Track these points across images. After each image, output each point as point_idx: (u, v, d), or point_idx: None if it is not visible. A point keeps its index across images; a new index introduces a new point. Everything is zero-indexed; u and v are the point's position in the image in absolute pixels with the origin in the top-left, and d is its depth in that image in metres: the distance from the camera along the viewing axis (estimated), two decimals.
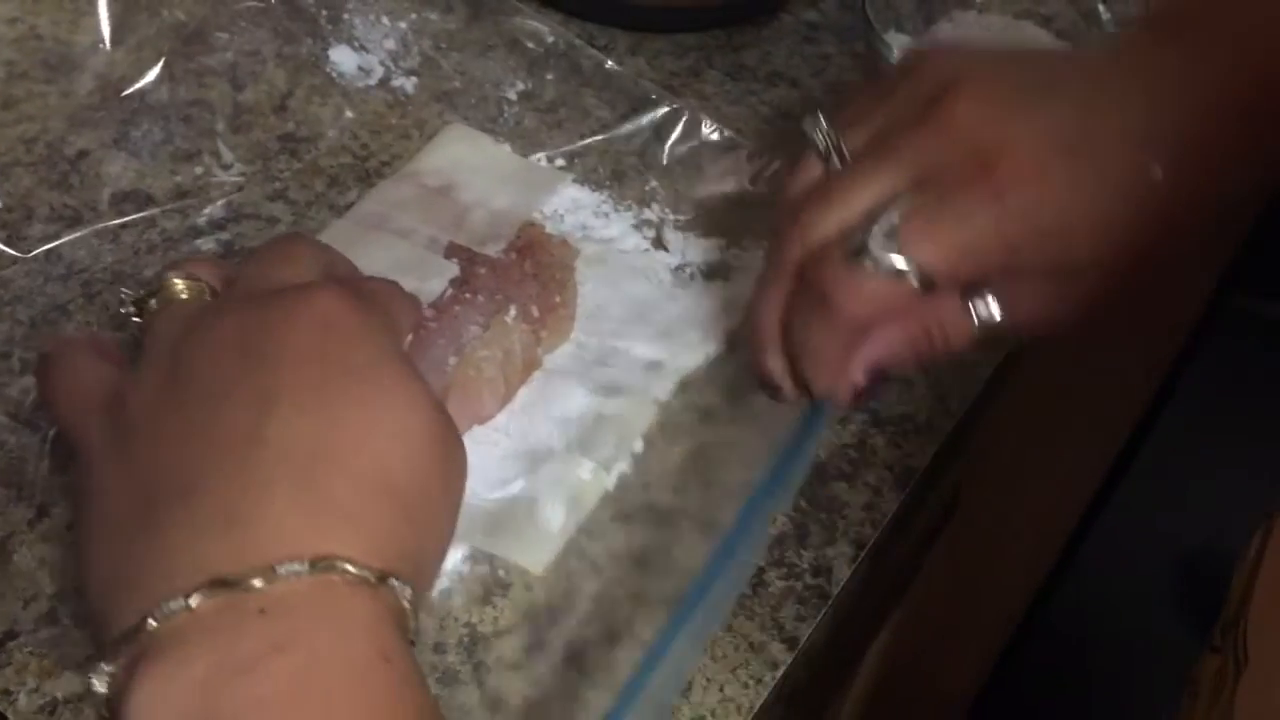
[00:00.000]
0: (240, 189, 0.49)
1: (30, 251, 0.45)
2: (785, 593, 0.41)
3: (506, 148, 0.51)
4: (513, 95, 0.53)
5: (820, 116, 0.37)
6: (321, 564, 0.28)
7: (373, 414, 0.30)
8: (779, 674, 0.39)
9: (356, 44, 0.54)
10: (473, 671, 0.38)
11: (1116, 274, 0.35)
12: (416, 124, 0.52)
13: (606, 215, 0.49)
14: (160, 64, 0.52)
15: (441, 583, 0.40)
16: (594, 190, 0.50)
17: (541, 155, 0.51)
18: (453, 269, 0.44)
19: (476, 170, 0.49)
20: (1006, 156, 0.33)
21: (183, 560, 0.28)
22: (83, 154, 0.49)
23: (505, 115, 0.52)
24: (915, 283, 0.34)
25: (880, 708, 0.76)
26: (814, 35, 0.60)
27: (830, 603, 0.41)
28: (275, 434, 0.29)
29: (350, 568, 0.28)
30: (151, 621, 0.27)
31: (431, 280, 0.44)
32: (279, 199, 0.49)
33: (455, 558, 0.40)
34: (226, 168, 0.49)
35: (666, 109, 0.52)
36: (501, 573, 0.40)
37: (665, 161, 0.51)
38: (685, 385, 0.45)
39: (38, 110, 0.50)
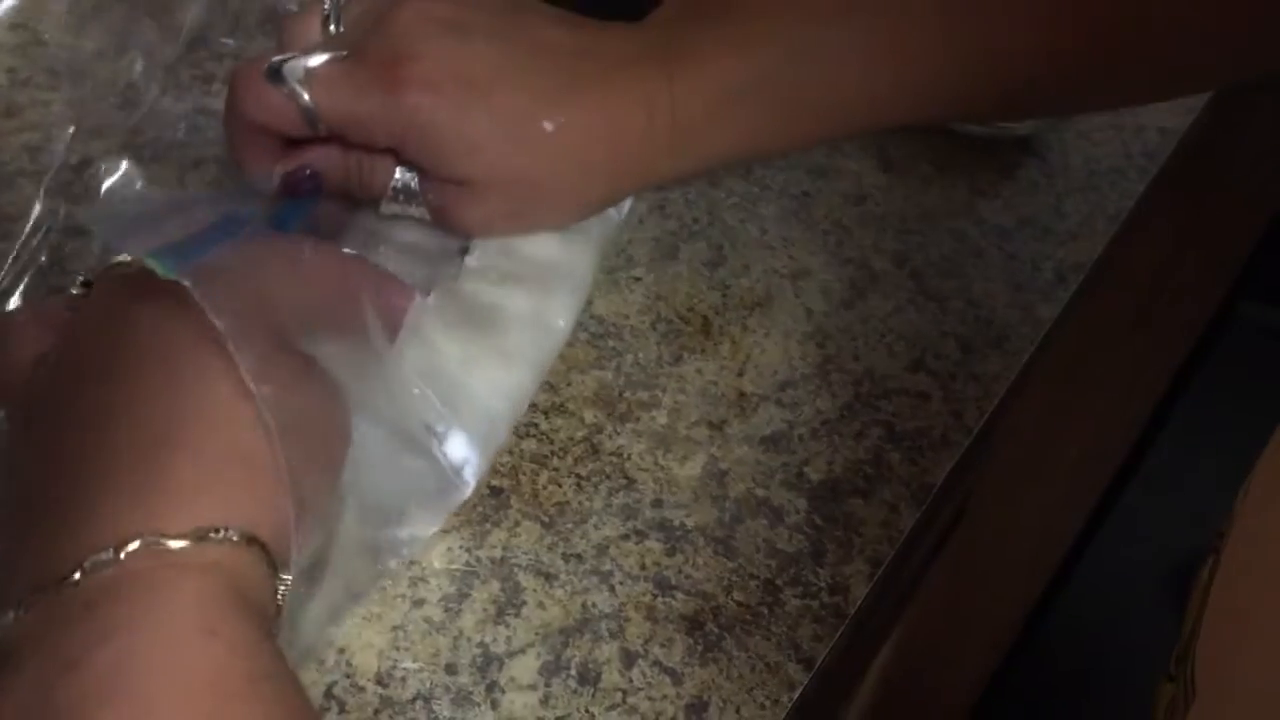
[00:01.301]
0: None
1: None
2: (801, 612, 0.41)
3: None
4: None
5: None
6: (129, 546, 0.28)
7: (215, 391, 0.31)
8: (795, 695, 0.39)
9: None
10: (485, 692, 0.38)
11: (523, 205, 0.41)
12: None
13: None
14: (165, 71, 0.51)
15: (450, 600, 0.39)
16: None
17: None
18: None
19: None
20: (413, 65, 0.38)
21: (19, 566, 0.29)
22: (86, 162, 0.49)
23: None
24: (301, 113, 0.39)
25: (885, 715, 0.76)
26: None
27: (847, 622, 0.40)
28: (116, 427, 0.30)
29: (158, 539, 0.28)
30: None
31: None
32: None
33: (460, 559, 0.40)
34: (233, 175, 0.49)
35: None
36: (514, 590, 0.40)
37: None
38: None
39: (41, 118, 0.50)
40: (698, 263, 0.50)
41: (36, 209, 0.45)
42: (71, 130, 0.49)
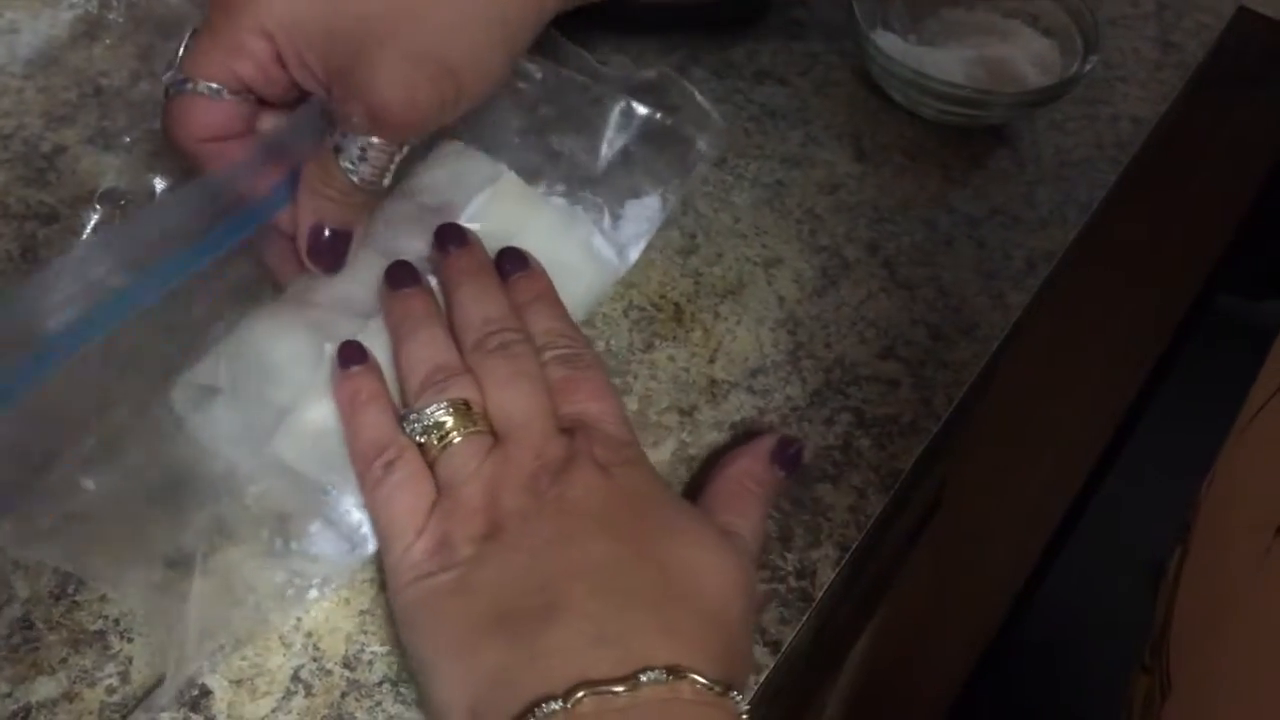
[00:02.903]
0: None
1: None
2: (768, 596, 0.41)
3: (503, 165, 0.49)
4: (515, 139, 0.50)
5: None
6: (674, 673, 0.32)
7: (696, 563, 0.36)
8: (762, 678, 0.39)
9: None
10: None
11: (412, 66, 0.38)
12: None
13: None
14: (138, 59, 0.51)
15: None
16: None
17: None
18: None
19: (474, 189, 0.47)
20: None
21: (558, 667, 0.33)
22: (60, 150, 0.49)
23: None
24: (211, 95, 0.40)
25: (862, 708, 0.76)
26: (801, 33, 0.59)
27: (814, 606, 0.41)
28: (623, 574, 0.35)
29: (699, 679, 0.33)
30: (533, 716, 0.32)
31: None
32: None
33: None
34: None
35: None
36: None
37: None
38: None
39: (14, 106, 0.50)
40: (670, 250, 0.50)
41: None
42: (44, 119, 0.49)
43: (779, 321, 0.48)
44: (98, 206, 0.46)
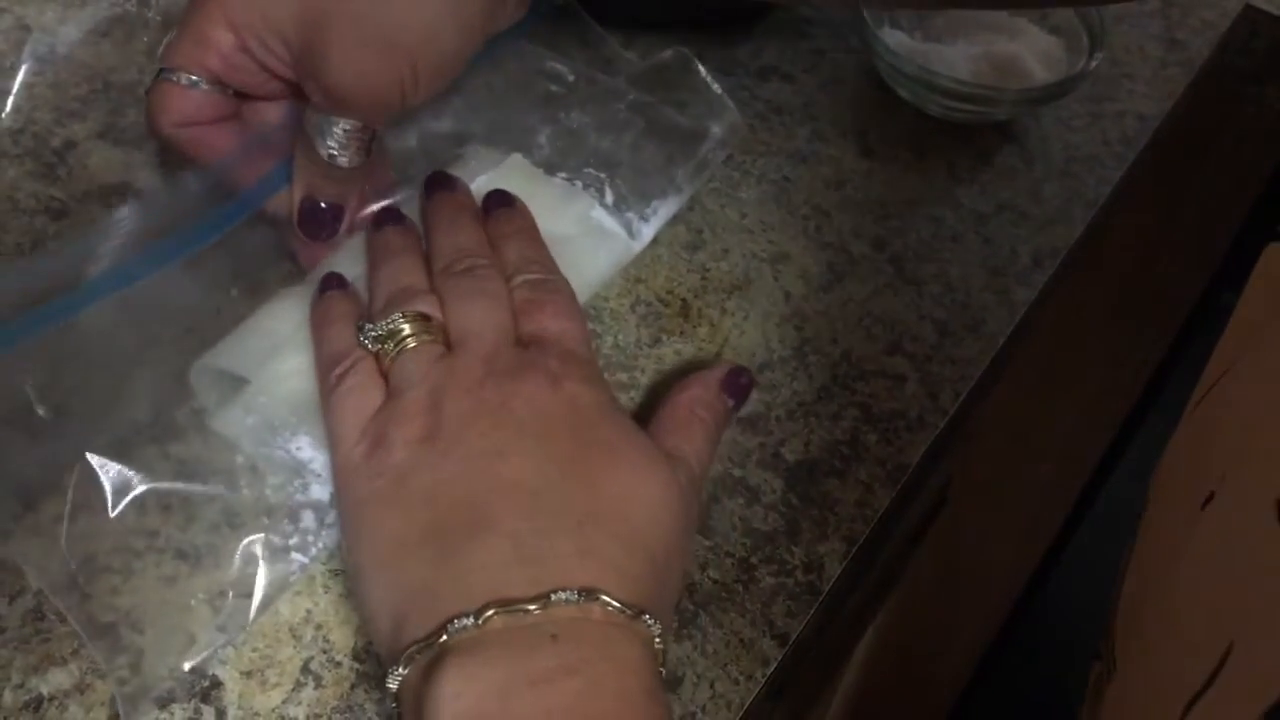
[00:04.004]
0: None
1: None
2: (776, 589, 0.41)
3: (517, 155, 0.48)
4: (542, 140, 0.50)
5: None
6: (587, 594, 0.32)
7: (626, 485, 0.36)
8: (769, 670, 0.39)
9: None
10: None
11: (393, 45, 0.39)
12: None
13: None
14: (147, 55, 0.51)
15: None
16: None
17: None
18: None
19: (480, 171, 0.47)
20: None
21: (476, 584, 0.33)
22: (70, 145, 0.49)
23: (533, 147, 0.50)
24: (186, 84, 0.41)
25: (869, 702, 0.76)
26: (807, 30, 0.60)
27: (821, 599, 0.41)
28: (549, 494, 0.35)
29: (611, 600, 0.33)
30: (444, 635, 0.32)
31: None
32: None
33: None
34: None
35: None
36: None
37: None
38: None
39: (24, 101, 0.50)
40: (677, 246, 0.50)
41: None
42: (54, 114, 0.49)
43: (786, 317, 0.48)
44: (109, 201, 0.47)
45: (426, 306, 0.39)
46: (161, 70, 0.42)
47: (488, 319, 0.39)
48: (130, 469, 0.38)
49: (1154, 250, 0.74)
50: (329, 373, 0.39)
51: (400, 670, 0.32)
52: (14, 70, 0.50)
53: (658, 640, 0.33)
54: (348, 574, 0.38)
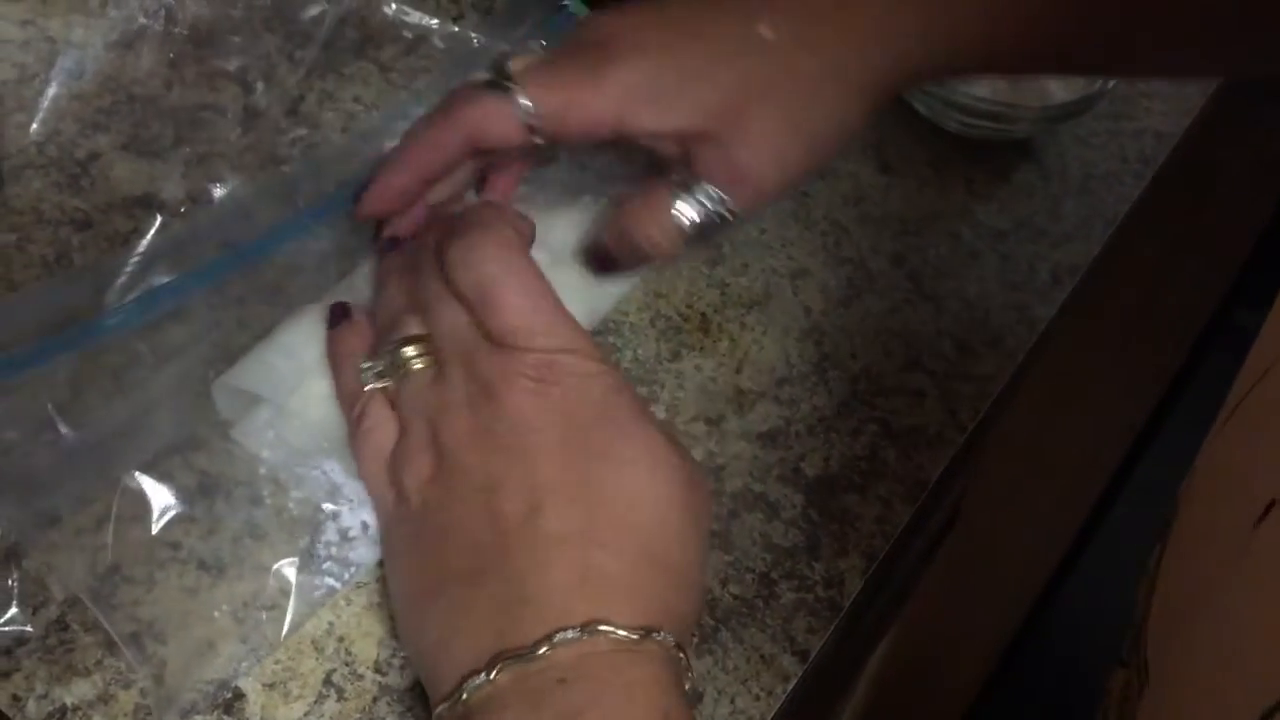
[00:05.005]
0: (253, 194, 0.48)
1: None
2: (796, 604, 0.41)
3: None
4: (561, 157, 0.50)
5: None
6: (588, 628, 0.32)
7: (628, 490, 0.35)
8: (790, 686, 0.39)
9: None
10: None
11: (767, 142, 0.39)
12: None
13: None
14: (171, 67, 0.51)
15: None
16: None
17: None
18: None
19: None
20: (612, 40, 0.39)
21: (483, 637, 0.33)
22: (94, 156, 0.49)
23: None
24: (520, 118, 0.39)
25: (880, 715, 0.76)
26: None
27: (843, 615, 0.41)
28: (548, 523, 0.34)
29: (614, 629, 0.32)
30: (463, 693, 0.32)
31: None
32: (290, 203, 0.49)
33: None
34: (237, 171, 0.49)
35: None
36: None
37: None
38: None
39: (49, 113, 0.50)
40: (697, 261, 0.50)
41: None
42: (78, 125, 0.50)
43: (805, 332, 0.48)
44: (132, 213, 0.47)
45: (415, 327, 0.38)
46: (509, 83, 0.39)
47: (457, 323, 0.38)
48: (157, 480, 0.38)
49: (1170, 268, 0.75)
50: (349, 413, 0.39)
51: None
52: (42, 84, 0.50)
53: (677, 650, 0.33)
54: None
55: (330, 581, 0.39)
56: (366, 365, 0.39)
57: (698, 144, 0.39)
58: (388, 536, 0.38)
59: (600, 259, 0.42)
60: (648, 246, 0.40)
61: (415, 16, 0.54)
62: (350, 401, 0.39)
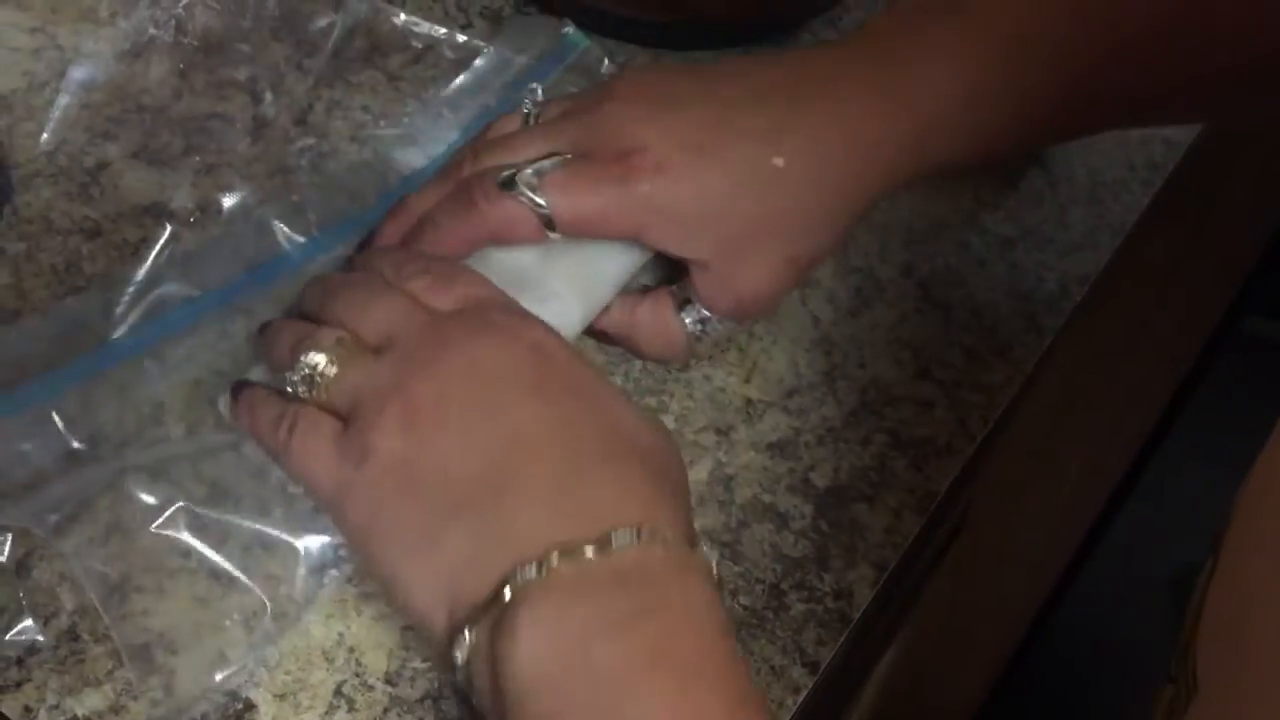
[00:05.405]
0: (261, 203, 0.48)
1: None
2: (806, 616, 0.41)
3: None
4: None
5: (538, 97, 0.47)
6: (644, 532, 0.31)
7: (625, 420, 0.35)
8: (800, 698, 0.39)
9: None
10: None
11: (778, 255, 0.41)
12: None
13: None
14: (180, 76, 0.52)
15: None
16: None
17: None
18: None
19: None
20: (636, 152, 0.39)
21: (526, 534, 0.32)
22: (103, 165, 0.49)
23: None
24: (538, 218, 0.40)
25: None
26: None
27: (853, 626, 0.41)
28: (560, 440, 0.34)
29: (670, 536, 0.32)
30: (508, 591, 0.30)
31: None
32: (299, 212, 0.49)
33: None
34: (246, 180, 0.49)
35: None
36: None
37: None
38: None
39: (58, 122, 0.50)
40: None
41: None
42: (87, 134, 0.50)
43: (814, 342, 0.48)
44: (142, 222, 0.47)
45: (332, 333, 0.36)
46: (511, 172, 0.40)
47: (407, 306, 0.37)
48: (167, 490, 0.38)
49: (1178, 275, 0.74)
50: (274, 439, 0.36)
51: (466, 636, 0.31)
52: (52, 93, 0.51)
53: (714, 568, 0.33)
54: (383, 590, 0.36)
55: (332, 571, 0.39)
56: (285, 377, 0.36)
57: (701, 268, 0.41)
58: (354, 501, 0.34)
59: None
60: (654, 358, 0.45)
61: (424, 26, 0.54)
62: (273, 428, 0.36)
